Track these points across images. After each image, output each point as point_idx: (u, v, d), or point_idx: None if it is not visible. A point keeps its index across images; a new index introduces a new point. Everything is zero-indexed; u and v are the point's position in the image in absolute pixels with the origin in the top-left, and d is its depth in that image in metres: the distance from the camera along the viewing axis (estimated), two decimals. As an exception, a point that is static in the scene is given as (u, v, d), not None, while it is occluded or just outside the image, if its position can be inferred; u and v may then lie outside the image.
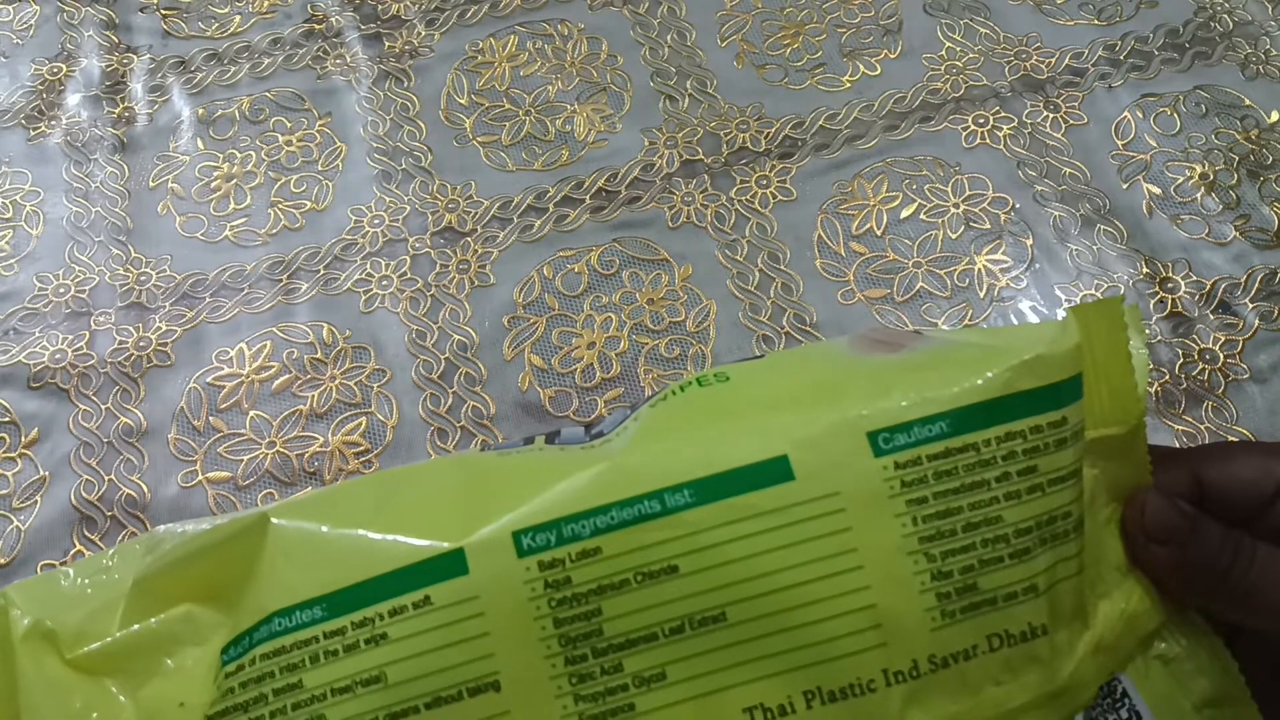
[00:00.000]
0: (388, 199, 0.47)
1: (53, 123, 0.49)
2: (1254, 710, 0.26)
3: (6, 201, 0.47)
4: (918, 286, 0.44)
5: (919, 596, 0.24)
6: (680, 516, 0.25)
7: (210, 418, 0.41)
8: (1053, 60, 0.50)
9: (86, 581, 0.27)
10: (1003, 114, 0.48)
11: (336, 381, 0.42)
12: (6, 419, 0.41)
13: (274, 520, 0.26)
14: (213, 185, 0.47)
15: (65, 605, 0.27)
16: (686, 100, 0.49)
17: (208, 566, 0.27)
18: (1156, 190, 0.46)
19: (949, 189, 0.46)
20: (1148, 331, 0.42)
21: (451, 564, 0.25)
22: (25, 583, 0.26)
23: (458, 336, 0.43)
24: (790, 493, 0.24)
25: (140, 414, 0.41)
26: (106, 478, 0.40)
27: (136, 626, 0.26)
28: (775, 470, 0.25)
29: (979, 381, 0.25)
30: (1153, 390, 0.41)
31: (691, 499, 0.25)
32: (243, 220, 0.46)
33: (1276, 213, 0.45)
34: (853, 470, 0.24)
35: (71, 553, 0.38)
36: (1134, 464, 0.26)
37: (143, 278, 0.45)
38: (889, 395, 0.25)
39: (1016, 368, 0.25)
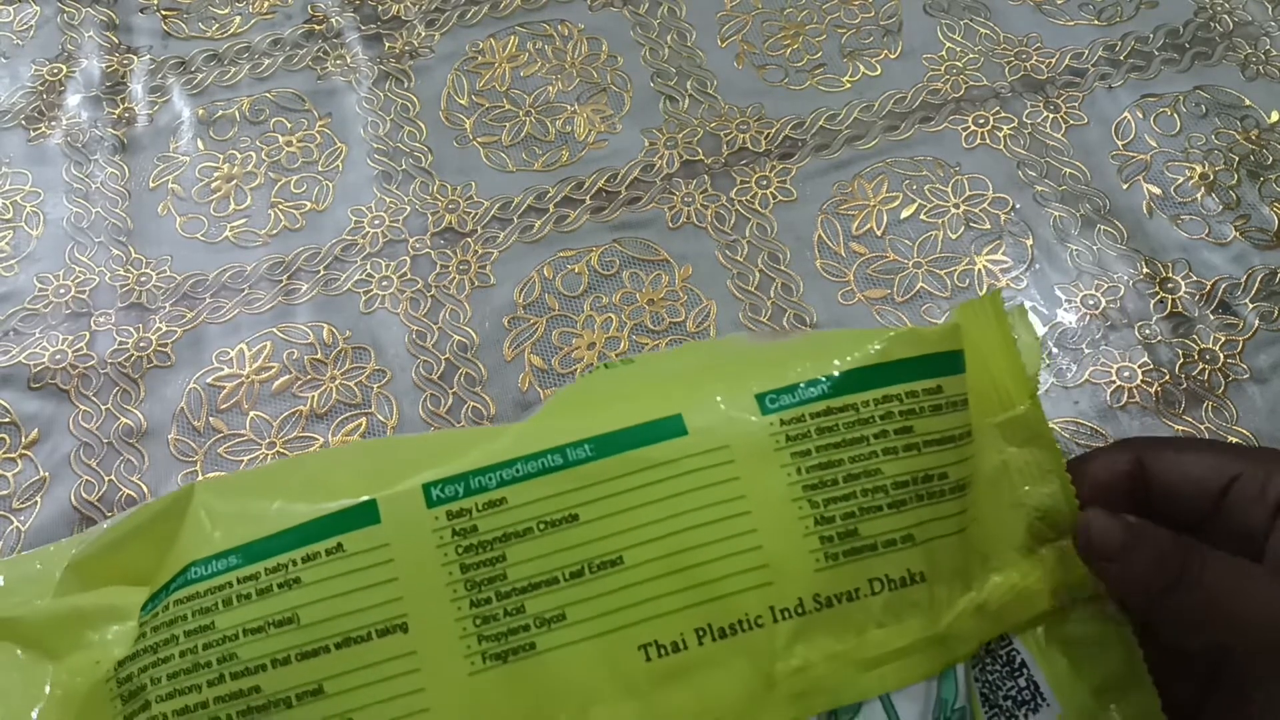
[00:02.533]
0: (388, 199, 0.47)
1: (53, 123, 0.49)
2: (1153, 696, 0.27)
3: (6, 202, 0.47)
4: (918, 287, 0.44)
5: (803, 540, 0.25)
6: (581, 469, 0.26)
7: (210, 418, 0.41)
8: (1053, 60, 0.50)
9: (17, 574, 0.28)
10: (1003, 114, 0.48)
11: (336, 382, 0.42)
12: (7, 420, 0.41)
13: (198, 490, 0.27)
14: (213, 186, 0.47)
15: (7, 585, 0.27)
16: (686, 101, 0.49)
17: (138, 547, 0.28)
18: (1156, 190, 0.46)
19: (949, 189, 0.46)
20: (1148, 332, 0.42)
21: (364, 514, 0.26)
22: None
23: (458, 337, 0.43)
24: (684, 446, 0.26)
25: (140, 414, 0.41)
26: (107, 478, 0.40)
27: (67, 601, 0.27)
28: (670, 427, 0.26)
29: (858, 352, 0.27)
30: (1152, 390, 0.41)
31: (591, 453, 0.26)
32: (243, 221, 0.46)
33: (1276, 213, 0.45)
34: (741, 426, 0.26)
35: (72, 553, 0.38)
36: (1042, 448, 0.28)
37: (143, 278, 0.45)
38: (778, 367, 0.27)
39: (894, 339, 0.27)
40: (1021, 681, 0.27)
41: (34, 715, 0.26)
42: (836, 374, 0.27)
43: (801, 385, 0.27)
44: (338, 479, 0.27)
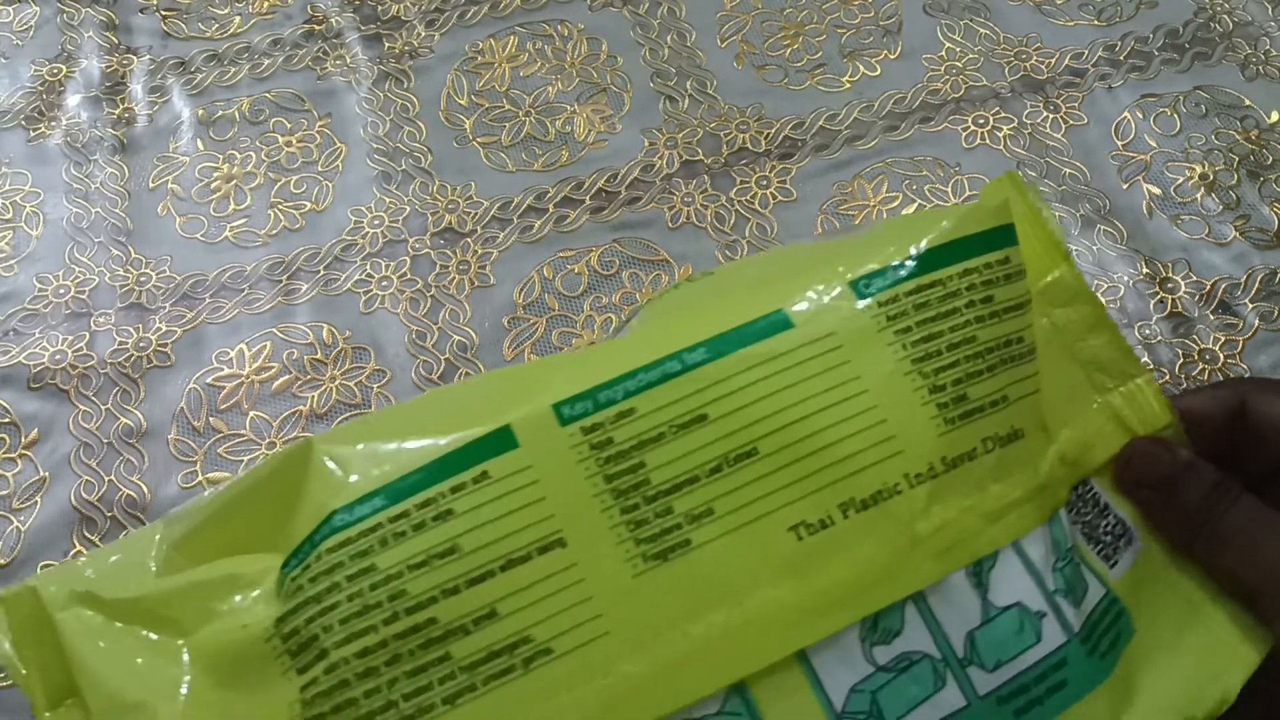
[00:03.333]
0: (388, 200, 0.47)
1: (53, 124, 0.49)
2: None
3: (6, 202, 0.47)
4: (918, 287, 0.44)
5: (922, 409, 0.27)
6: (700, 371, 0.27)
7: (210, 418, 0.41)
8: (1053, 61, 0.50)
9: (112, 563, 0.28)
10: (1003, 114, 0.48)
11: (336, 382, 0.42)
12: (7, 420, 0.41)
13: (317, 443, 0.27)
14: (213, 186, 0.47)
15: (98, 577, 0.27)
16: (686, 101, 0.49)
17: (246, 516, 0.28)
18: (1156, 190, 0.46)
19: (949, 189, 0.46)
20: (1148, 332, 0.42)
21: (501, 440, 0.26)
22: (47, 571, 0.27)
23: (458, 337, 0.43)
24: (792, 338, 0.27)
25: (140, 415, 0.41)
26: (106, 478, 0.40)
27: (182, 577, 0.27)
28: (775, 323, 0.28)
29: (934, 232, 0.29)
30: (1153, 390, 0.41)
31: (707, 355, 0.27)
32: (243, 221, 0.46)
33: (1276, 213, 0.45)
34: (843, 313, 0.28)
35: (71, 553, 0.38)
36: (1085, 303, 0.30)
37: (143, 278, 0.45)
38: (861, 255, 0.29)
39: (962, 217, 0.29)
40: (1111, 519, 0.29)
41: (182, 692, 0.26)
42: (920, 253, 0.29)
43: (890, 268, 0.28)
44: (459, 412, 0.28)
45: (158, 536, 0.28)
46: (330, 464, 0.27)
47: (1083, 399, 0.30)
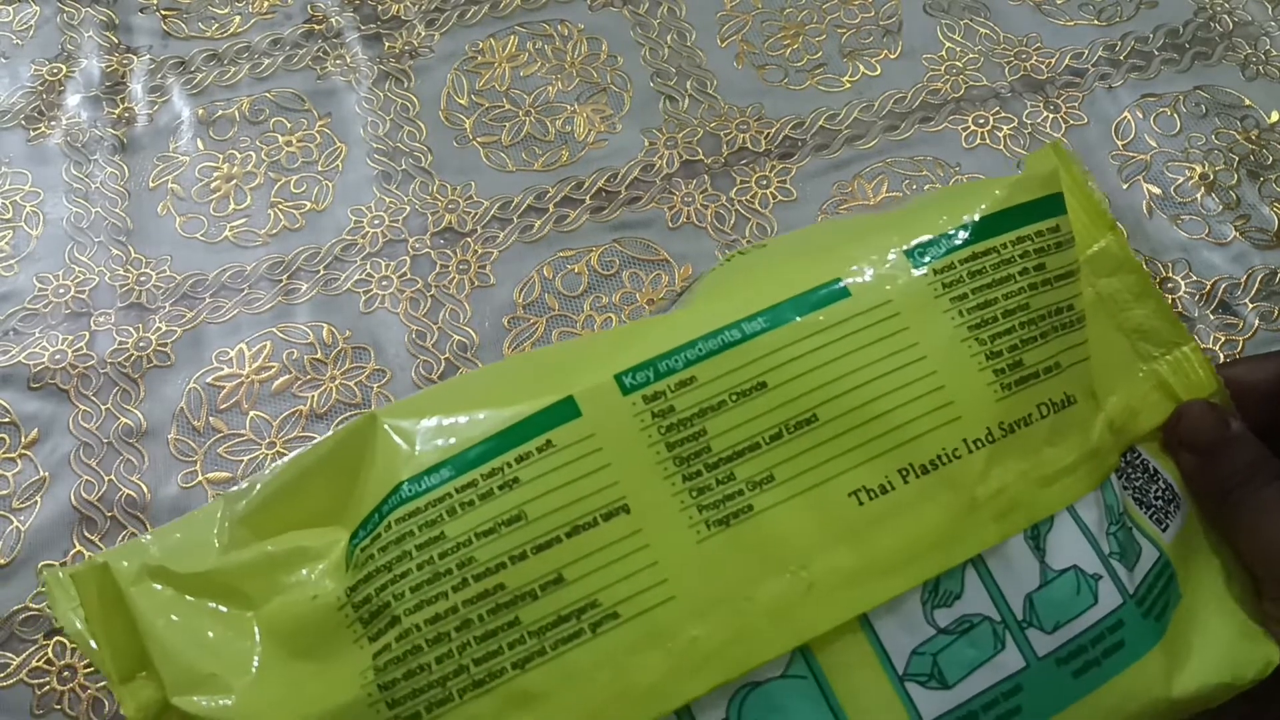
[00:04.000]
0: (388, 199, 0.47)
1: (53, 123, 0.49)
2: None
3: (6, 202, 0.47)
4: (918, 287, 0.44)
5: (979, 374, 0.27)
6: (758, 340, 0.28)
7: (210, 418, 0.41)
8: (1053, 60, 0.50)
9: (176, 539, 0.28)
10: (1003, 114, 0.48)
11: (336, 382, 0.42)
12: (6, 419, 0.41)
13: (381, 416, 0.27)
14: (213, 186, 0.47)
15: (164, 553, 0.27)
16: (686, 101, 0.49)
17: (311, 490, 0.28)
18: (1156, 190, 0.46)
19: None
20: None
21: (564, 410, 0.27)
22: (114, 549, 0.27)
23: (458, 337, 0.43)
24: (850, 307, 0.28)
25: (140, 414, 0.41)
26: (106, 478, 0.40)
27: (250, 551, 0.27)
28: (833, 292, 0.28)
29: (987, 201, 0.29)
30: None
31: (765, 324, 0.28)
32: (243, 221, 0.46)
33: (1276, 213, 0.45)
34: (899, 282, 0.28)
35: (71, 553, 0.38)
36: (1130, 273, 0.31)
37: (143, 278, 0.45)
38: (915, 225, 0.29)
39: (1014, 185, 0.30)
40: (1161, 484, 0.30)
41: (254, 664, 0.26)
42: (973, 222, 0.29)
43: (944, 236, 0.29)
44: (521, 384, 0.28)
45: (219, 514, 0.29)
46: (395, 437, 0.27)
47: (1129, 367, 0.30)
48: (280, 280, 0.44)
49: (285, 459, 0.29)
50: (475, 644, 0.25)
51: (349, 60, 0.51)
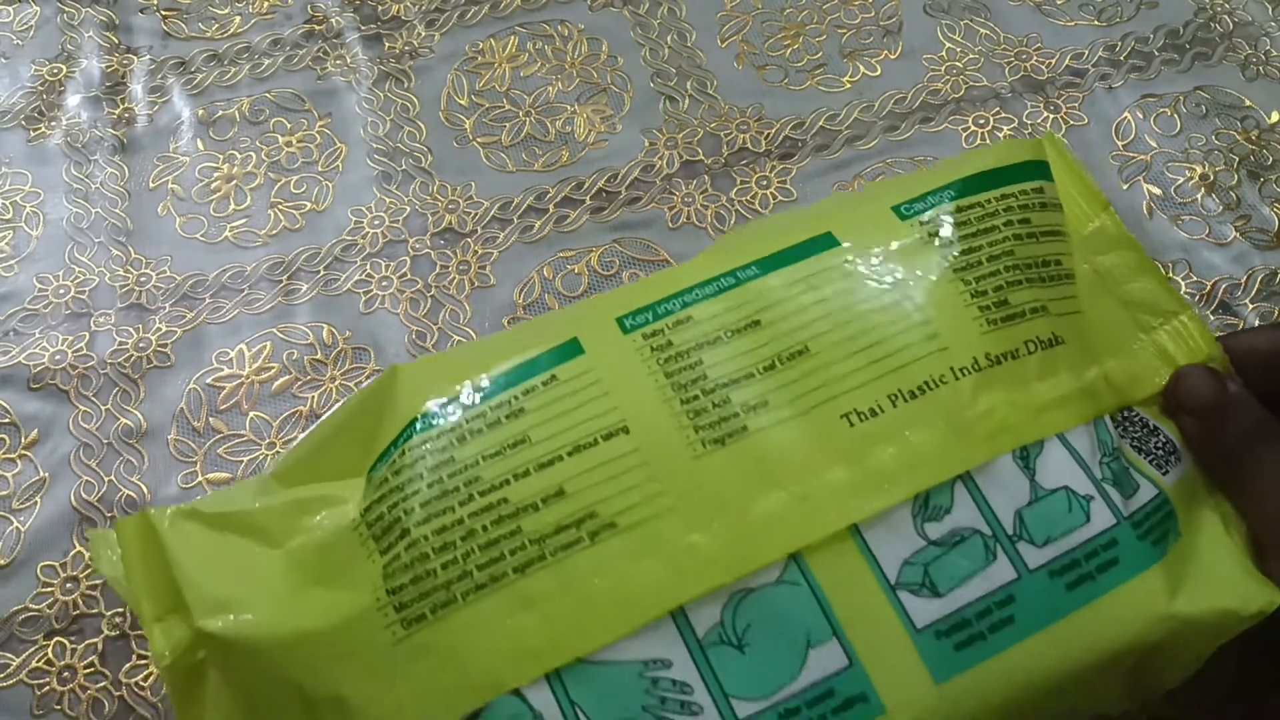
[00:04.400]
0: (388, 200, 0.47)
1: (53, 124, 0.49)
2: None
3: (7, 202, 0.47)
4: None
5: (965, 310, 0.29)
6: (752, 284, 0.30)
7: (210, 419, 0.41)
8: (1053, 61, 0.50)
9: (220, 496, 0.30)
10: (1003, 114, 0.48)
11: (336, 382, 0.42)
12: (6, 420, 0.41)
13: (401, 370, 0.29)
14: (213, 186, 0.47)
15: (204, 502, 0.29)
16: (686, 101, 0.49)
17: (339, 446, 0.30)
18: (1157, 191, 0.46)
19: (949, 190, 0.46)
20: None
21: (568, 350, 0.29)
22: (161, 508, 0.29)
23: (458, 337, 0.43)
24: (840, 253, 0.30)
25: (140, 415, 0.41)
26: (106, 479, 0.40)
27: (277, 495, 0.29)
28: (823, 242, 0.30)
29: (971, 165, 0.31)
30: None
31: (759, 271, 0.30)
32: (243, 221, 0.46)
33: (1276, 213, 0.45)
34: (887, 232, 0.30)
35: (71, 554, 0.38)
36: (1128, 249, 0.32)
37: (143, 279, 0.45)
38: (903, 188, 0.31)
39: (999, 149, 0.32)
40: (1161, 438, 0.30)
41: (274, 589, 0.27)
42: (959, 180, 0.31)
43: (930, 193, 0.31)
44: (529, 338, 0.30)
45: (260, 479, 0.31)
46: (413, 384, 0.29)
47: (1128, 336, 0.31)
48: (280, 281, 0.44)
49: (323, 419, 0.31)
50: (479, 551, 0.26)
51: (349, 60, 0.51)
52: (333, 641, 0.26)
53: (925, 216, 0.30)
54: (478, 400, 0.28)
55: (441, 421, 0.28)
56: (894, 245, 0.30)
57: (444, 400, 0.28)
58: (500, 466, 0.27)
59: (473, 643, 0.26)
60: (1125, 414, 0.30)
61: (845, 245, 0.30)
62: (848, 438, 0.28)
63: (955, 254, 0.30)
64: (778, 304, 0.29)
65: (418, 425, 0.28)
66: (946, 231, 0.30)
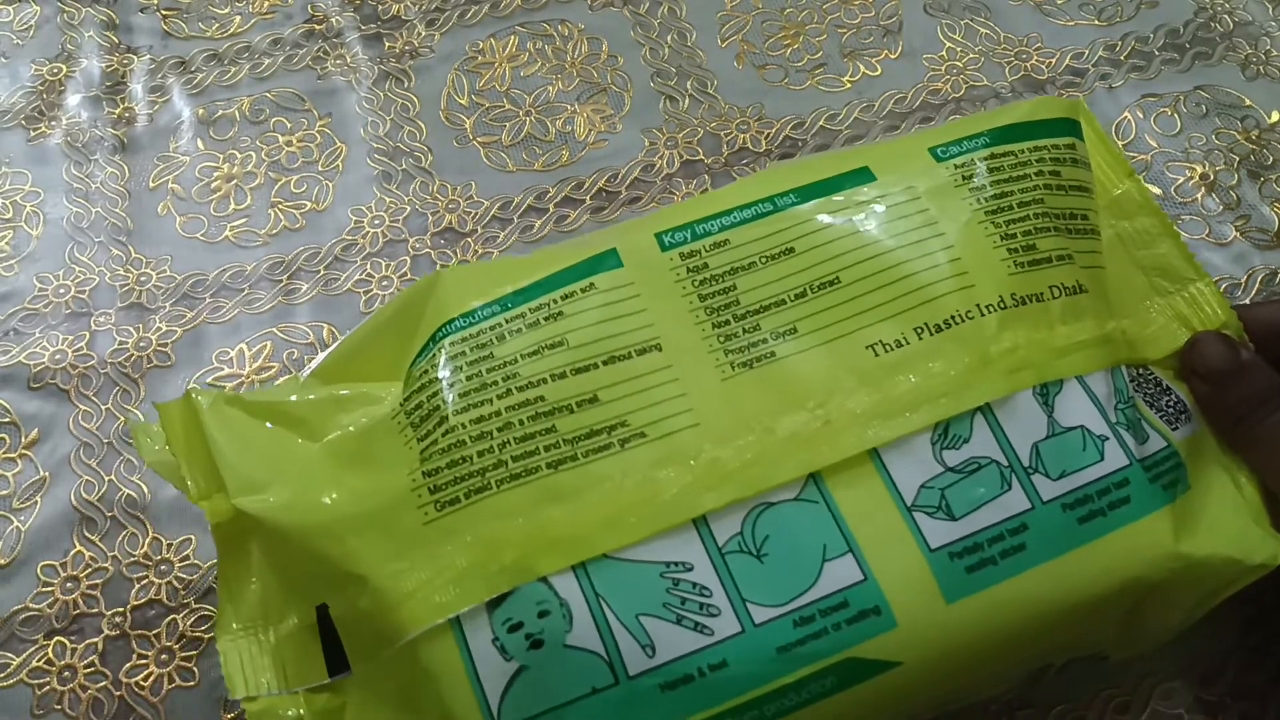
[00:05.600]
0: (388, 199, 0.47)
1: (53, 123, 0.49)
2: None
3: (6, 202, 0.47)
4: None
5: (994, 251, 0.30)
6: (789, 211, 0.31)
7: (210, 418, 0.41)
8: (1053, 60, 0.50)
9: (265, 389, 0.31)
10: (1003, 114, 0.48)
11: (337, 382, 0.42)
12: (7, 419, 0.41)
13: (443, 273, 0.31)
14: (213, 186, 0.47)
15: (247, 392, 0.30)
16: (687, 100, 0.49)
17: (379, 345, 0.31)
18: (1157, 190, 0.46)
19: (949, 189, 0.46)
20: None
21: (607, 259, 0.30)
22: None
23: (458, 337, 0.43)
24: (876, 188, 0.31)
25: (140, 414, 0.41)
26: (107, 478, 0.40)
27: (319, 390, 0.30)
28: (860, 176, 0.31)
29: (1008, 115, 0.32)
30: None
31: (796, 199, 0.31)
32: (243, 221, 0.46)
33: (1277, 213, 0.45)
34: (922, 172, 0.31)
35: (71, 553, 0.38)
36: (1149, 215, 0.33)
37: (143, 278, 0.45)
38: (936, 136, 0.32)
39: (1036, 104, 0.33)
40: (1172, 397, 0.31)
41: (311, 474, 0.28)
42: (994, 130, 0.32)
43: (965, 139, 0.32)
44: (571, 249, 0.31)
45: (301, 380, 0.32)
46: (452, 286, 0.30)
47: (1145, 300, 0.32)
48: (280, 280, 0.44)
49: (362, 321, 0.32)
50: (514, 444, 0.27)
51: (349, 60, 0.51)
52: (363, 522, 0.27)
53: (960, 160, 0.31)
54: (518, 301, 0.29)
55: (481, 319, 0.29)
56: (928, 184, 0.31)
57: (484, 300, 0.29)
58: (538, 365, 0.28)
59: (503, 529, 0.27)
60: (1140, 371, 0.31)
61: (880, 180, 0.31)
62: (873, 366, 0.28)
63: (987, 196, 0.30)
64: (812, 233, 0.30)
65: (458, 321, 0.29)
66: (980, 175, 0.31)
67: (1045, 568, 0.27)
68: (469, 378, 0.28)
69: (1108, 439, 0.28)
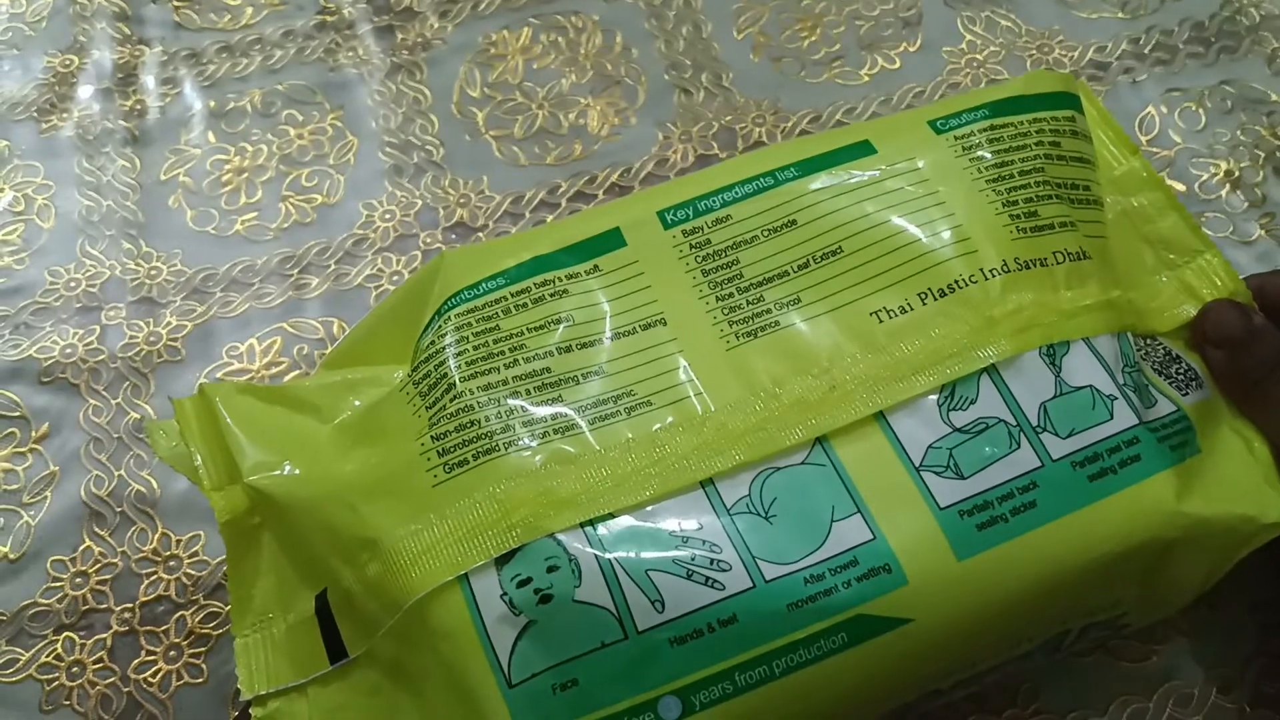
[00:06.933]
0: (399, 193, 0.46)
1: (64, 116, 0.49)
2: None
3: (18, 195, 0.47)
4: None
5: (996, 218, 0.30)
6: (790, 185, 0.31)
7: (220, 414, 0.41)
8: (1075, 53, 0.49)
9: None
10: (1023, 109, 0.48)
11: (347, 378, 0.42)
12: (17, 414, 0.41)
13: (447, 254, 0.31)
14: (224, 179, 0.47)
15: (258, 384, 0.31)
16: (701, 94, 0.49)
17: (387, 331, 0.31)
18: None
19: (968, 185, 0.46)
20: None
21: (611, 239, 0.31)
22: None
23: (469, 333, 0.43)
24: (876, 160, 0.31)
25: (150, 409, 0.41)
26: (117, 473, 0.40)
27: (328, 375, 0.31)
28: (861, 149, 0.32)
29: (1009, 88, 0.33)
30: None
31: (797, 173, 0.31)
32: (253, 214, 0.46)
33: (1303, 211, 0.44)
34: (922, 144, 0.32)
35: (81, 548, 0.38)
36: (1155, 189, 0.33)
37: (153, 272, 0.44)
38: (938, 109, 0.33)
39: (1034, 77, 0.33)
40: (1183, 364, 0.31)
41: (321, 451, 0.29)
42: (992, 103, 0.32)
43: (965, 112, 0.32)
44: (574, 225, 0.31)
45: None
46: (458, 262, 0.31)
47: (1153, 272, 0.32)
48: (291, 275, 0.44)
49: (372, 309, 0.33)
50: (522, 410, 0.28)
51: (361, 52, 0.51)
52: (375, 488, 0.28)
53: (960, 131, 0.31)
54: (522, 275, 0.30)
55: (486, 292, 0.30)
56: (929, 156, 0.31)
57: (490, 273, 0.30)
58: (544, 339, 0.29)
59: (512, 489, 0.27)
60: (1148, 341, 0.31)
61: (880, 153, 0.31)
62: (877, 332, 0.29)
63: (987, 165, 0.31)
64: (814, 205, 0.30)
65: (464, 294, 0.30)
66: (980, 145, 0.31)
67: (1057, 525, 0.27)
68: (476, 347, 0.29)
69: (1116, 399, 0.28)
